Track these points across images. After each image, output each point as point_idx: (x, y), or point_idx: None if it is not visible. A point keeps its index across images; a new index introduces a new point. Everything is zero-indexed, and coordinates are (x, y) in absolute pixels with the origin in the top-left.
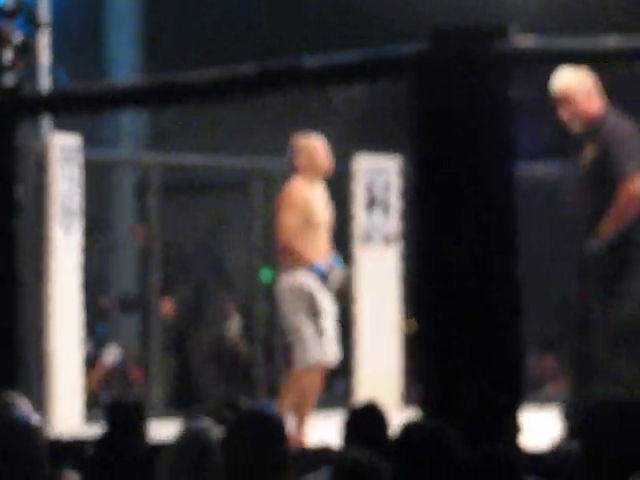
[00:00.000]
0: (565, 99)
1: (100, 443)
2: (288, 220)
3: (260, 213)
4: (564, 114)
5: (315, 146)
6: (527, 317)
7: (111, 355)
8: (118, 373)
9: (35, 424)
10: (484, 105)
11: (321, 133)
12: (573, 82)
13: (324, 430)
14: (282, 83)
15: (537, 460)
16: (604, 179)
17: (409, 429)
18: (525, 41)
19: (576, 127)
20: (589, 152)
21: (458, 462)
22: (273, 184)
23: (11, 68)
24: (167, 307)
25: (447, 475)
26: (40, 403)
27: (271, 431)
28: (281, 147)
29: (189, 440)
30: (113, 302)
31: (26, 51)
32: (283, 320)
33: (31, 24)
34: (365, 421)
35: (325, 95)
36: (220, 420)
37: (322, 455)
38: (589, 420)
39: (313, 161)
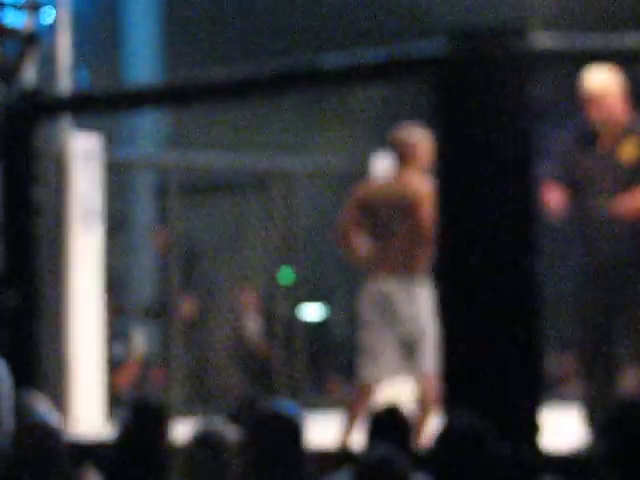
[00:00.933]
0: (600, 97)
1: (121, 443)
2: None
3: (280, 213)
4: (596, 112)
5: (422, 138)
6: (546, 316)
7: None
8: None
9: (54, 424)
10: (503, 104)
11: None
12: (608, 81)
13: (324, 430)
14: (302, 83)
15: (559, 461)
16: None
17: (450, 431)
18: (544, 40)
19: (608, 125)
20: (630, 149)
21: (497, 464)
22: (292, 184)
23: (21, 60)
24: (187, 307)
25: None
26: (61, 403)
27: (291, 433)
28: (299, 147)
29: (202, 441)
30: (136, 310)
31: (33, 42)
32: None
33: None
34: (388, 424)
35: (343, 95)
36: (240, 420)
37: (341, 456)
38: (613, 420)
39: (422, 153)
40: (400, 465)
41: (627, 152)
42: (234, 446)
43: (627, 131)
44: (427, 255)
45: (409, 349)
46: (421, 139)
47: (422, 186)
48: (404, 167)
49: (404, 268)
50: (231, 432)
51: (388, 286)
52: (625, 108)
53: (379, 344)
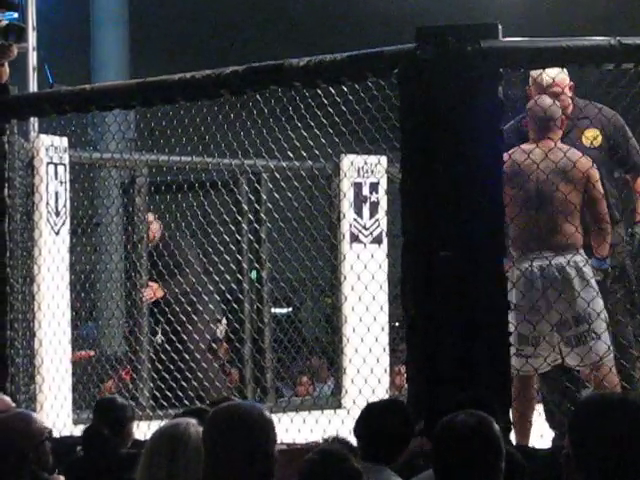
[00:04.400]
0: (559, 86)
1: (86, 442)
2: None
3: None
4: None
5: (558, 108)
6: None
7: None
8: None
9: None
10: (471, 103)
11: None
12: (563, 74)
13: (314, 429)
14: (268, 82)
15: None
16: (619, 164)
17: (450, 425)
18: (513, 41)
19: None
20: (591, 135)
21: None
22: (261, 184)
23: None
24: (151, 292)
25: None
26: (29, 403)
27: (245, 425)
28: (268, 148)
29: (161, 435)
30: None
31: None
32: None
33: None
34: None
35: (313, 96)
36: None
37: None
38: (577, 417)
39: (560, 123)
40: (345, 457)
41: (590, 138)
42: (193, 441)
43: (579, 119)
44: (582, 230)
45: (570, 334)
46: (559, 109)
47: (584, 157)
48: (547, 137)
49: (556, 243)
50: (192, 427)
51: (538, 265)
52: (572, 100)
53: (537, 329)
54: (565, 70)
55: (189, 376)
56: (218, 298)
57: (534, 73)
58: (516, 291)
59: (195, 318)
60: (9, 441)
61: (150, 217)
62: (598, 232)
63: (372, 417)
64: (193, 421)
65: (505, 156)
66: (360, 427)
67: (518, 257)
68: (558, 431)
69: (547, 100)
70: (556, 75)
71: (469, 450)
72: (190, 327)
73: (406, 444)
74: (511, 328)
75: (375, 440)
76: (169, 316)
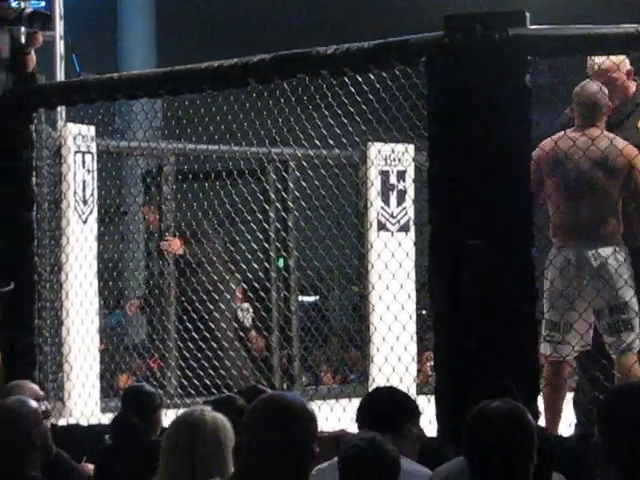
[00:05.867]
0: (610, 72)
1: (115, 431)
2: None
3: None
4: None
5: (605, 94)
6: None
7: None
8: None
9: (31, 408)
10: (499, 91)
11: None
12: (617, 58)
13: (342, 418)
14: (296, 70)
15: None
16: None
17: (483, 413)
18: (541, 28)
19: (618, 100)
20: None
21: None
22: (288, 172)
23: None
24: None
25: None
26: (58, 391)
27: (287, 417)
28: (295, 136)
29: (177, 421)
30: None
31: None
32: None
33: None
34: (382, 404)
35: (340, 84)
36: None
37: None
38: (607, 405)
39: (607, 110)
40: (384, 447)
41: None
42: (208, 428)
43: (636, 106)
44: (620, 218)
45: (606, 322)
46: (605, 95)
47: (628, 145)
48: (592, 125)
49: (597, 232)
50: (211, 415)
51: (578, 253)
52: (630, 84)
53: (568, 316)
54: (623, 55)
55: (216, 364)
56: (245, 286)
57: (590, 59)
58: (551, 277)
59: (222, 306)
60: (12, 422)
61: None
62: None
63: (373, 404)
64: (207, 408)
65: (549, 142)
66: (363, 415)
67: (558, 244)
68: (584, 419)
69: (593, 86)
70: (606, 61)
71: (503, 438)
72: (217, 315)
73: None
74: (545, 315)
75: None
76: (196, 304)
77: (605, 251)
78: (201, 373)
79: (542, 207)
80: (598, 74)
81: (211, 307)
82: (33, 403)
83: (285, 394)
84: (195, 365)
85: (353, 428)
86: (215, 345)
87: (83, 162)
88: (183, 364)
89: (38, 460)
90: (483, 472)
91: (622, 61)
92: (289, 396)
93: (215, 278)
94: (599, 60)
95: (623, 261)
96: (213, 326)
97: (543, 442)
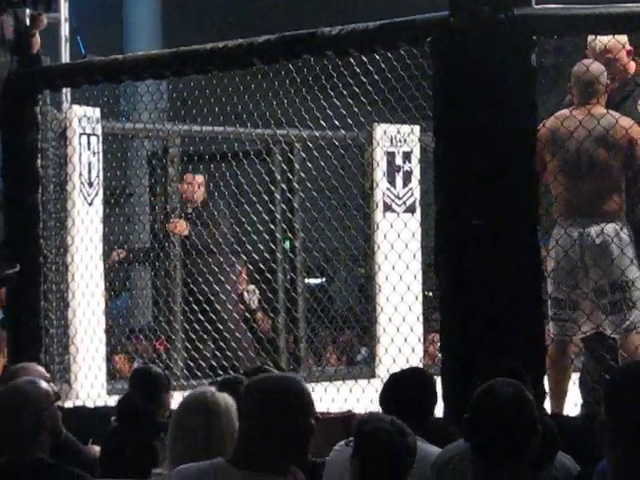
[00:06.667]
0: (611, 52)
1: (121, 413)
2: None
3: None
4: (607, 68)
5: (603, 73)
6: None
7: None
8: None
9: (42, 390)
10: (505, 71)
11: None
12: (618, 39)
13: (349, 399)
14: (301, 51)
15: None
16: None
17: (485, 395)
18: (546, 8)
19: (620, 80)
20: None
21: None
22: (293, 153)
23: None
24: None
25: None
26: (64, 373)
27: (281, 396)
28: (301, 118)
29: (189, 403)
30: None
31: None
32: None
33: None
34: (406, 386)
35: (345, 65)
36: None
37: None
38: (613, 384)
39: (605, 88)
40: (399, 429)
41: None
42: (222, 410)
43: (636, 85)
44: (623, 196)
45: (607, 300)
46: (603, 74)
47: (625, 119)
48: (590, 102)
49: (600, 210)
50: (219, 396)
51: (581, 231)
52: (631, 64)
53: (574, 295)
54: (625, 36)
55: (222, 346)
56: (251, 268)
57: (589, 38)
58: (556, 255)
59: (228, 288)
60: (23, 403)
61: (200, 179)
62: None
63: (396, 386)
64: (213, 389)
65: (552, 120)
66: (385, 397)
67: (562, 222)
68: (589, 398)
69: (593, 64)
70: (608, 41)
71: (506, 420)
72: (223, 296)
73: (432, 412)
74: (550, 292)
75: (400, 409)
76: (202, 286)
77: (608, 228)
78: (207, 354)
79: (547, 185)
80: (599, 55)
81: (217, 289)
82: (44, 384)
83: (278, 374)
84: (201, 347)
85: (359, 409)
86: (221, 327)
87: (88, 144)
88: (189, 346)
89: (47, 442)
90: (485, 454)
91: (623, 41)
92: (282, 375)
93: (221, 260)
94: (600, 41)
95: (627, 239)
96: (219, 307)
97: (545, 422)
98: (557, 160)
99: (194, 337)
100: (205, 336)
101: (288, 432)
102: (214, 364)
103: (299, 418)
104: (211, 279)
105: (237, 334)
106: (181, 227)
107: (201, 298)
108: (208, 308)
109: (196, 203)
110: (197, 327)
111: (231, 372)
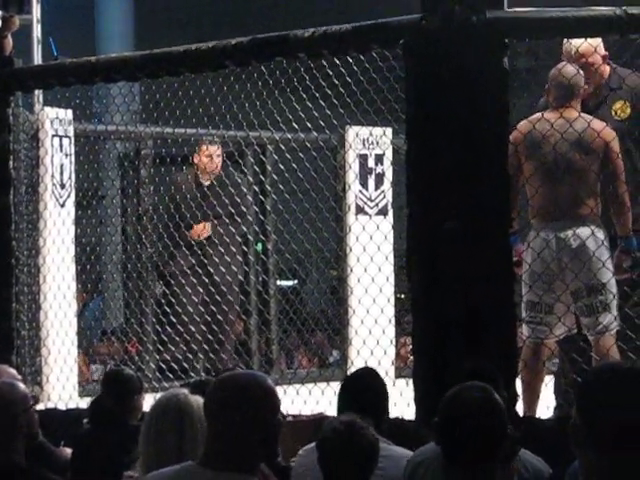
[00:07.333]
0: (585, 57)
1: (93, 415)
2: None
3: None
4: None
5: (580, 76)
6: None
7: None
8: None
9: (20, 392)
10: (477, 74)
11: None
12: (591, 43)
13: (321, 401)
14: (274, 53)
15: (534, 429)
16: None
17: (454, 399)
18: (519, 11)
19: (594, 85)
20: (620, 107)
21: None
22: (266, 155)
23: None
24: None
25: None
26: (35, 376)
27: (244, 394)
28: (273, 120)
29: (161, 405)
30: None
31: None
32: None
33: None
34: (361, 387)
35: (318, 67)
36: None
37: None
38: (586, 386)
39: (582, 92)
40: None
41: (619, 110)
42: (195, 412)
43: (610, 90)
44: (599, 200)
45: (582, 303)
46: (581, 77)
47: (606, 128)
48: (567, 105)
49: (575, 213)
50: (191, 397)
51: (556, 234)
52: (605, 68)
53: (548, 298)
54: (599, 40)
55: (194, 348)
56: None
57: (564, 42)
58: (531, 258)
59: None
60: (1, 406)
61: (215, 149)
62: (617, 209)
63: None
64: (185, 391)
65: (526, 124)
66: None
67: (537, 225)
68: (562, 401)
69: (569, 67)
70: (582, 45)
71: (475, 424)
72: (195, 298)
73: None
74: (524, 295)
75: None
76: (174, 288)
77: (584, 232)
78: (179, 357)
79: (521, 189)
80: (574, 59)
81: (189, 290)
82: (22, 387)
83: (241, 372)
84: (173, 349)
85: (331, 411)
86: (193, 329)
87: (60, 146)
88: (161, 348)
89: (22, 446)
90: (455, 457)
91: (598, 45)
92: (245, 374)
93: (193, 261)
94: (575, 44)
95: (602, 242)
96: (191, 309)
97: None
98: (532, 163)
99: (166, 339)
100: (177, 338)
101: (256, 429)
102: (186, 366)
103: (267, 414)
104: (183, 281)
105: (232, 336)
106: (203, 231)
107: (173, 300)
108: (180, 310)
109: (214, 174)
110: (169, 329)
111: (203, 374)
